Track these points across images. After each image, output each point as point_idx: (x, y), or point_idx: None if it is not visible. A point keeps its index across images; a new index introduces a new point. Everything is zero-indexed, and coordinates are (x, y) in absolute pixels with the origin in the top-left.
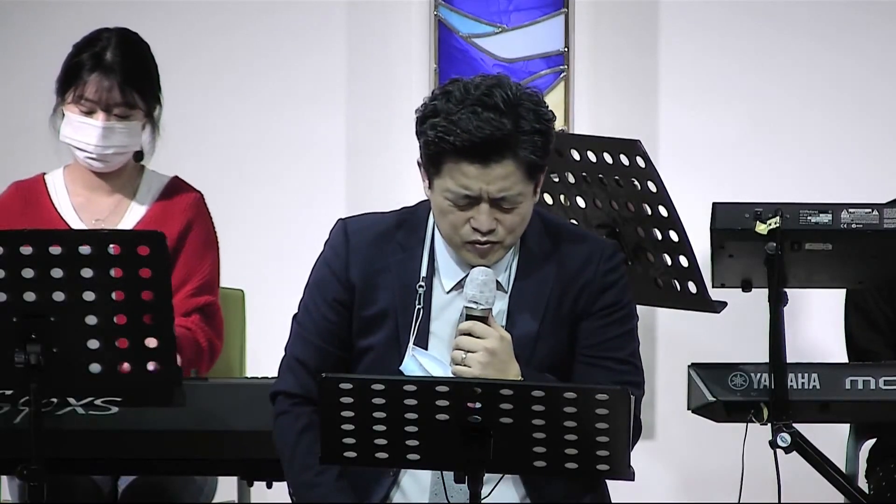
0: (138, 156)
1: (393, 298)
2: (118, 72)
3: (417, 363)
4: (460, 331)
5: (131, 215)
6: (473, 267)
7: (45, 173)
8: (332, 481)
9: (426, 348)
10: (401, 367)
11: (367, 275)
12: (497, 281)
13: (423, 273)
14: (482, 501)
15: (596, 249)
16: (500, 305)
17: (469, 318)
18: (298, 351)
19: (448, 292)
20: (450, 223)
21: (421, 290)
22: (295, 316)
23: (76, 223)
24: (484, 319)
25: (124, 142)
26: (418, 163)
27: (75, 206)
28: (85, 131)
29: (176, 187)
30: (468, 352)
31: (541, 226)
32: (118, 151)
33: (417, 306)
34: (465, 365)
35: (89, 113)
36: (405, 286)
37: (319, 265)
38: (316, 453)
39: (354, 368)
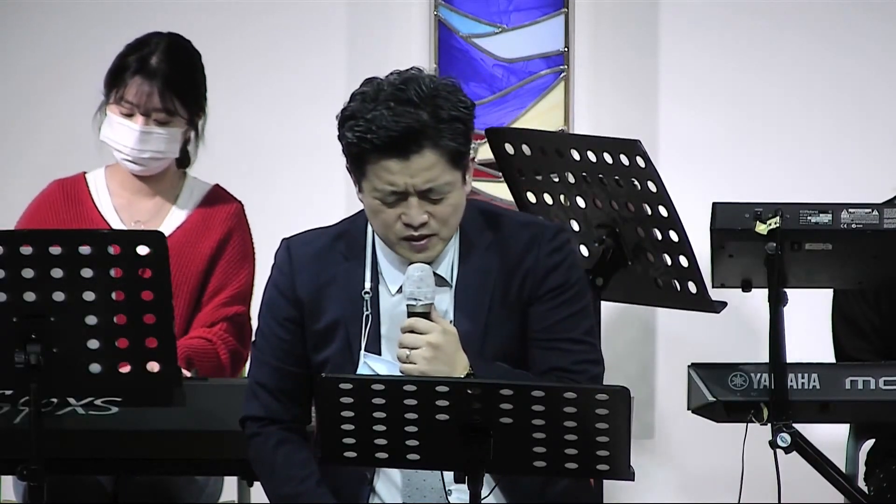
0: (183, 161)
1: (341, 309)
2: (160, 77)
3: (369, 369)
4: (403, 329)
5: (172, 219)
6: (411, 265)
7: (85, 172)
8: (313, 488)
9: (380, 353)
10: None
11: (314, 289)
12: (440, 276)
13: (368, 279)
14: (482, 501)
15: (537, 233)
16: (446, 300)
17: (411, 315)
18: (258, 374)
19: (394, 295)
20: (382, 222)
21: (367, 297)
22: (253, 342)
23: (117, 224)
24: (426, 315)
25: (161, 147)
26: (347, 168)
27: (116, 207)
28: (123, 133)
29: (217, 196)
30: (412, 349)
31: (479, 216)
32: (154, 156)
33: (366, 312)
34: (410, 362)
35: (129, 115)
36: (352, 295)
37: (269, 287)
38: (294, 465)
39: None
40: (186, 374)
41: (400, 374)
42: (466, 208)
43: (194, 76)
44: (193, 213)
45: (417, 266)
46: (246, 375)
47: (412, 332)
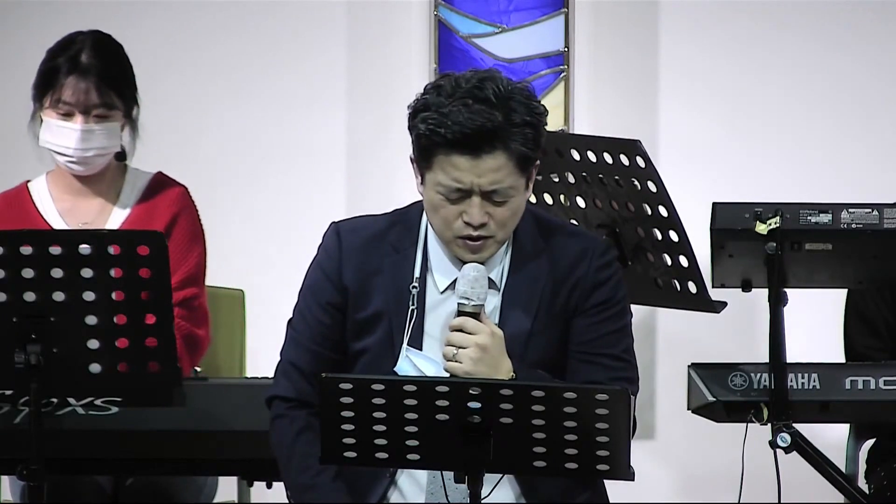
0: (120, 156)
1: (387, 300)
2: (94, 73)
3: (412, 363)
4: (452, 327)
5: (116, 216)
6: (465, 264)
7: (28, 181)
8: (329, 482)
9: (421, 348)
10: (395, 368)
11: (361, 277)
12: (490, 278)
13: (417, 273)
14: (482, 501)
15: (588, 246)
16: (493, 303)
17: (461, 314)
18: (293, 355)
19: (442, 292)
20: (441, 218)
21: (414, 291)
22: (290, 321)
23: (63, 228)
24: (476, 315)
25: (104, 143)
26: (411, 159)
27: (61, 212)
28: (64, 135)
29: (160, 183)
30: (459, 347)
31: (533, 224)
32: (98, 153)
33: (411, 307)
34: (456, 361)
35: (67, 116)
36: (399, 287)
37: (313, 269)
38: (313, 454)
39: (349, 371)
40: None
41: (443, 371)
42: (522, 214)
43: (125, 68)
44: (137, 205)
45: (473, 266)
46: (246, 376)
47: (461, 331)
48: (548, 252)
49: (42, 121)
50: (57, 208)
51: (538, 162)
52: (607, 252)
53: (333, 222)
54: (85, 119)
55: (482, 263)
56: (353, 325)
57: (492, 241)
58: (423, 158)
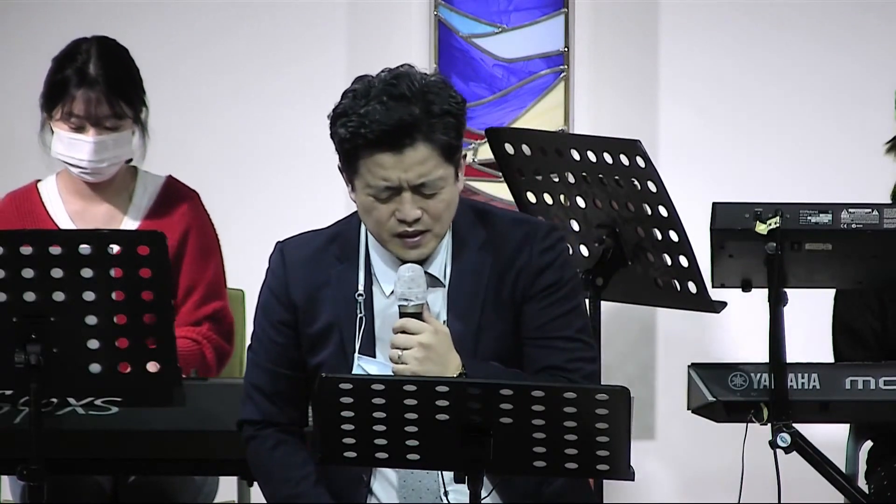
0: (129, 159)
1: (335, 311)
2: (103, 84)
3: (364, 372)
4: (394, 329)
5: (127, 223)
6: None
7: (37, 181)
8: (311, 489)
9: (374, 355)
10: None
11: (308, 292)
12: (432, 275)
13: (362, 281)
14: (481, 501)
15: (530, 231)
16: (439, 299)
17: (403, 315)
18: (254, 377)
19: (388, 297)
20: (375, 220)
21: (361, 299)
22: (249, 345)
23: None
24: (418, 315)
25: (117, 153)
26: (339, 168)
27: (71, 215)
28: (77, 147)
29: (171, 190)
30: (404, 349)
31: (471, 214)
32: (112, 163)
33: (359, 315)
34: (402, 362)
35: (79, 129)
36: (345, 297)
37: (263, 291)
38: (291, 466)
39: (310, 387)
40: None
41: (392, 375)
42: (458, 206)
43: (132, 74)
44: (149, 212)
45: (408, 266)
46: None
47: (404, 332)
48: (489, 241)
49: (53, 131)
50: (67, 211)
51: (464, 153)
52: (550, 234)
53: (278, 242)
54: (97, 131)
55: (424, 261)
56: (307, 341)
57: (430, 236)
58: (349, 163)
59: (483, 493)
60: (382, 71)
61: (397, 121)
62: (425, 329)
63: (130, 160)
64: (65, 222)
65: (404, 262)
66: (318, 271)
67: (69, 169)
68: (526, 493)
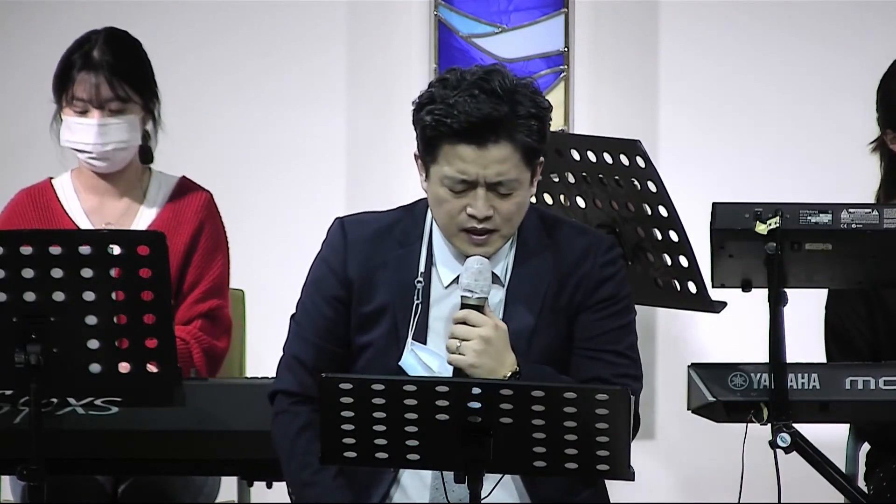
0: (146, 158)
1: (391, 294)
2: (105, 67)
3: (416, 357)
4: (455, 319)
5: (142, 218)
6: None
7: (51, 178)
8: (329, 480)
9: (425, 343)
10: (399, 363)
11: (365, 271)
12: (494, 274)
13: (422, 268)
14: (483, 501)
15: (593, 243)
16: (498, 298)
17: (465, 307)
18: (297, 349)
19: (447, 287)
20: (446, 212)
21: (419, 285)
22: (293, 315)
23: (87, 227)
24: (480, 308)
25: (122, 136)
26: (415, 155)
27: (86, 211)
28: (82, 131)
29: (186, 188)
30: (463, 340)
31: (538, 220)
32: (117, 147)
33: (416, 301)
34: (459, 353)
35: (83, 112)
36: (403, 282)
37: (317, 263)
38: (314, 452)
39: (353, 365)
40: None
41: (447, 365)
42: (527, 211)
43: (139, 60)
44: (164, 209)
45: (477, 258)
46: (247, 376)
47: (464, 323)
48: (552, 248)
49: (62, 120)
50: (83, 206)
51: (542, 159)
52: (612, 249)
53: (338, 217)
54: (100, 114)
55: (488, 258)
56: (358, 319)
57: (496, 236)
58: (429, 151)
59: (483, 493)
60: (475, 65)
61: (485, 115)
62: (486, 323)
63: (148, 159)
64: (80, 218)
65: (468, 256)
66: (377, 251)
67: (78, 157)
68: (552, 497)
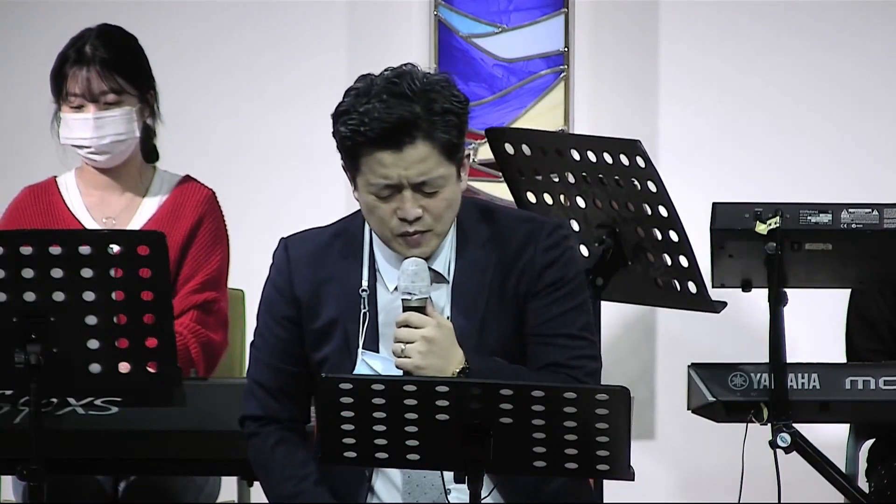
0: (150, 156)
1: (339, 306)
2: (97, 60)
3: (367, 366)
4: (398, 323)
5: (143, 213)
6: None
7: (56, 176)
8: (311, 488)
9: (378, 351)
10: (353, 373)
11: (312, 288)
12: (436, 271)
13: (366, 277)
14: (482, 501)
15: (535, 229)
16: (443, 295)
17: (406, 309)
18: (256, 374)
19: (392, 292)
20: (378, 218)
21: (364, 295)
22: (252, 342)
23: (89, 222)
24: (421, 309)
25: (119, 129)
26: (342, 167)
27: (88, 206)
28: (78, 127)
29: (188, 184)
30: (407, 343)
31: (477, 212)
32: (115, 139)
33: (363, 310)
34: (405, 356)
35: (79, 108)
36: (349, 293)
37: (266, 287)
38: (292, 464)
39: (313, 381)
40: None
41: (396, 369)
42: (463, 204)
43: (131, 53)
44: (164, 203)
45: (412, 260)
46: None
47: (407, 326)
48: (493, 239)
49: (60, 118)
50: (84, 202)
51: (468, 151)
52: (554, 232)
53: (282, 238)
54: (96, 108)
55: (428, 257)
56: (311, 336)
57: (431, 235)
58: (351, 162)
59: (483, 493)
60: (385, 70)
61: (397, 119)
62: (428, 323)
63: (152, 157)
64: (82, 213)
65: (407, 258)
66: (321, 267)
67: (78, 153)
68: (527, 492)
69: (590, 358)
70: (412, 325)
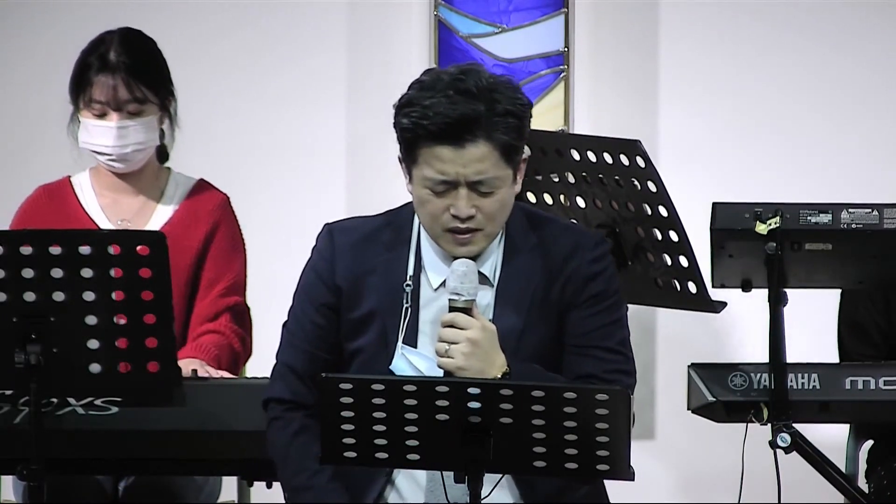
0: (163, 157)
1: (380, 299)
2: (122, 69)
3: (407, 361)
4: (443, 323)
5: (158, 216)
6: (455, 260)
7: (70, 175)
8: (325, 483)
9: (416, 346)
10: (390, 367)
11: (354, 277)
12: (483, 274)
13: (410, 272)
14: (482, 502)
15: (581, 240)
16: (487, 299)
17: (452, 309)
18: (288, 357)
19: (436, 289)
20: (429, 213)
21: (408, 289)
22: (284, 323)
23: (104, 223)
24: (467, 311)
25: (141, 138)
26: (399, 158)
27: (102, 207)
28: (100, 134)
29: (203, 189)
30: (451, 343)
31: (524, 219)
32: (137, 149)
33: (405, 305)
34: (448, 356)
35: (102, 115)
36: (392, 286)
37: (307, 271)
38: (309, 456)
39: (345, 371)
40: (224, 373)
41: (437, 368)
42: (512, 209)
43: (155, 61)
44: (179, 207)
45: (463, 261)
46: (247, 376)
47: (452, 326)
48: (540, 246)
49: (79, 122)
50: (99, 203)
51: (525, 155)
52: (600, 245)
53: (326, 224)
54: (120, 116)
55: (474, 259)
56: (348, 325)
57: (481, 235)
58: (409, 154)
59: (485, 490)
60: (451, 66)
61: (460, 115)
62: (474, 325)
63: (165, 156)
64: (97, 214)
65: (455, 257)
66: (365, 257)
67: (96, 158)
68: (549, 498)
69: (625, 373)
70: (458, 325)
